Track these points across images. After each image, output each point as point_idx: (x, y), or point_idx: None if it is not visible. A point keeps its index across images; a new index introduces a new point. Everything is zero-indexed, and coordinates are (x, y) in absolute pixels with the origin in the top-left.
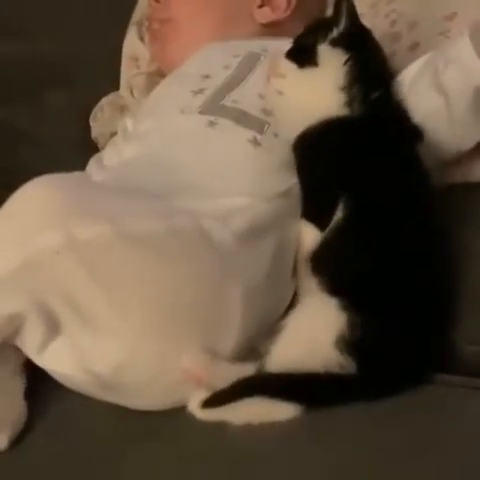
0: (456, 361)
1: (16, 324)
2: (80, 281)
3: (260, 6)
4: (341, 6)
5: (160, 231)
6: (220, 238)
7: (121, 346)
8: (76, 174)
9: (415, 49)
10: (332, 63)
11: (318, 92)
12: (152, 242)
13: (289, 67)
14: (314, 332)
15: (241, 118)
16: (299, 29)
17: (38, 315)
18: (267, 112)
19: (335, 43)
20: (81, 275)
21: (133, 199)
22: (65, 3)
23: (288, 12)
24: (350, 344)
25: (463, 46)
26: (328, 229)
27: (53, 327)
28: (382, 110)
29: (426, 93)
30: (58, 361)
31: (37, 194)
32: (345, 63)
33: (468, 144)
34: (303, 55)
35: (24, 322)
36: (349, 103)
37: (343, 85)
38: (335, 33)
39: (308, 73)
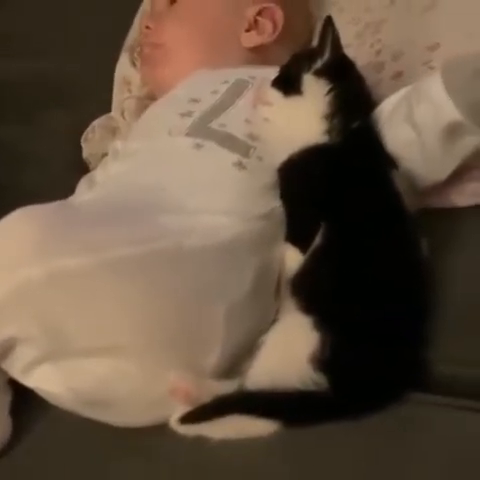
0: (432, 380)
1: (4, 348)
2: (63, 310)
3: (247, 30)
4: (326, 37)
5: (140, 257)
6: (201, 256)
7: (104, 365)
8: (56, 204)
9: (398, 78)
10: (316, 92)
11: (302, 120)
12: (132, 268)
13: (275, 95)
14: (289, 349)
15: (227, 141)
16: (285, 55)
17: (26, 341)
18: (253, 137)
19: (319, 73)
20: (63, 305)
21: (114, 225)
22: (64, 25)
23: (274, 36)
24: (322, 361)
25: (434, 82)
26: (307, 254)
27: (40, 353)
28: (360, 139)
29: (401, 126)
30: (43, 380)
31: (17, 228)
32: (328, 93)
33: (440, 176)
34: (288, 84)
35: (13, 347)
36: (329, 131)
37: (325, 114)
38: (319, 63)
39: (293, 101)
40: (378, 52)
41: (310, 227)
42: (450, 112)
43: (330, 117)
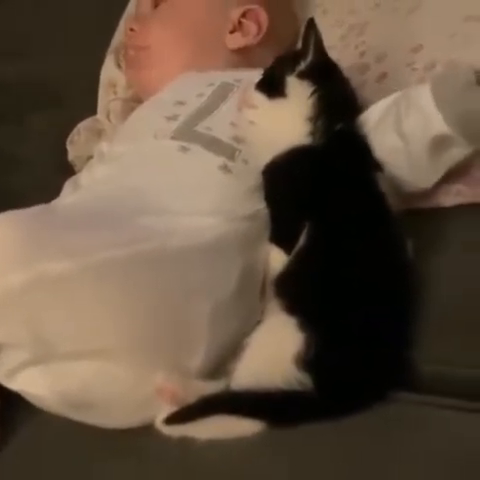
0: (417, 380)
1: None
2: (48, 315)
3: (232, 32)
4: (309, 39)
5: (123, 260)
6: (185, 256)
7: (90, 368)
8: (39, 208)
9: (382, 80)
10: (299, 94)
11: (286, 122)
12: (115, 271)
13: (260, 98)
14: (274, 349)
15: (212, 145)
16: (270, 57)
17: (12, 346)
18: (238, 140)
19: (302, 75)
20: (48, 310)
21: (97, 228)
22: (50, 28)
23: (258, 38)
24: (307, 362)
25: (423, 93)
26: (291, 255)
27: (26, 357)
28: (344, 141)
29: (389, 134)
30: (29, 384)
31: None
32: (311, 95)
33: (426, 184)
34: (272, 86)
35: None
36: (313, 133)
37: (309, 116)
38: (303, 65)
39: (277, 104)
40: (362, 54)
41: (294, 228)
42: (439, 125)
43: (314, 119)
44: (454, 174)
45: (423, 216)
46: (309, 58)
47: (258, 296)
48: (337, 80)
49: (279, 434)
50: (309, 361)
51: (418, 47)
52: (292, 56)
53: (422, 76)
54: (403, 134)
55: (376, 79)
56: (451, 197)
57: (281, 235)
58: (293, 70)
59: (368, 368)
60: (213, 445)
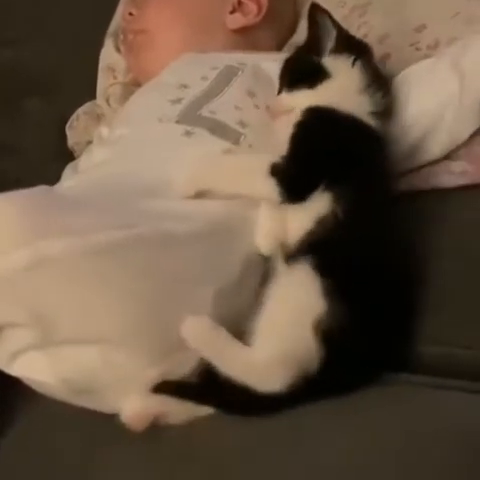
0: (418, 361)
1: None
2: (49, 296)
3: (232, 12)
4: (322, 20)
5: (124, 242)
6: (188, 239)
7: (92, 353)
8: (39, 189)
9: (386, 60)
10: (343, 67)
11: (341, 98)
12: (116, 253)
13: (296, 95)
14: (295, 313)
15: (217, 129)
16: (270, 38)
17: (13, 328)
18: (243, 124)
19: (336, 51)
20: (51, 290)
21: (97, 210)
22: (47, 13)
23: (259, 17)
24: (326, 330)
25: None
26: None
27: (27, 340)
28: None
29: (444, 77)
30: (30, 369)
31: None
32: (354, 63)
33: (464, 134)
34: (310, 76)
35: None
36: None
37: (362, 86)
38: (330, 43)
39: (324, 87)
40: (365, 35)
41: (316, 179)
42: None
43: (368, 89)
44: (454, 153)
45: (425, 197)
46: (333, 34)
47: (259, 283)
48: (367, 49)
49: (281, 418)
50: (328, 330)
51: (421, 27)
52: (305, 46)
53: (426, 55)
54: (459, 70)
55: (379, 60)
56: (455, 177)
57: (299, 180)
58: (320, 54)
59: (374, 347)
60: (217, 430)
